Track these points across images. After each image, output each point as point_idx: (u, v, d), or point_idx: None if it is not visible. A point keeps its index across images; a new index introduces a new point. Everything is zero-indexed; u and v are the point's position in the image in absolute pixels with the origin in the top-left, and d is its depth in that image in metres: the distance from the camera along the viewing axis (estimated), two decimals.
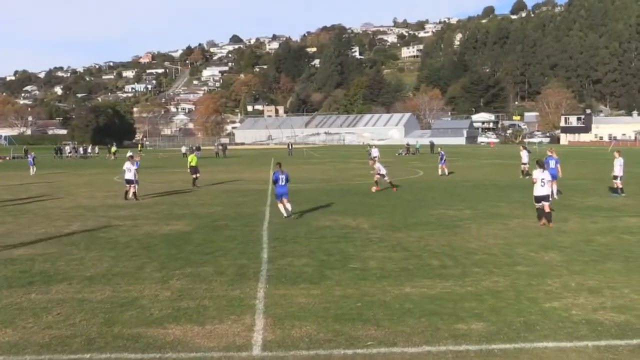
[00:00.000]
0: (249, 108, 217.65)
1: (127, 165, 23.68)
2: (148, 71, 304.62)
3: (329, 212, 18.64)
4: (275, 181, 17.71)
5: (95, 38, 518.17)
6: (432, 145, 74.55)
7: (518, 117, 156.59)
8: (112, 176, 37.07)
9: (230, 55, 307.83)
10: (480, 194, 23.79)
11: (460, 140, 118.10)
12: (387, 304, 8.67)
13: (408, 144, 76.43)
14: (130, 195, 23.23)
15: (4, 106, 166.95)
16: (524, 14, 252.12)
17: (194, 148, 75.15)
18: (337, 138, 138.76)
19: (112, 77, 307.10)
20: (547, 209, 15.36)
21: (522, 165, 31.43)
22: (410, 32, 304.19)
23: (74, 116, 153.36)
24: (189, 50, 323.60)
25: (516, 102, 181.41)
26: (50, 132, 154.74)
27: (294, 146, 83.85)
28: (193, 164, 29.78)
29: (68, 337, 7.40)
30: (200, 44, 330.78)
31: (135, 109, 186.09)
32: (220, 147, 74.54)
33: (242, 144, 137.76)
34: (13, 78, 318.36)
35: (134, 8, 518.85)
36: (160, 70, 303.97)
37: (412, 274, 10.41)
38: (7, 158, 75.06)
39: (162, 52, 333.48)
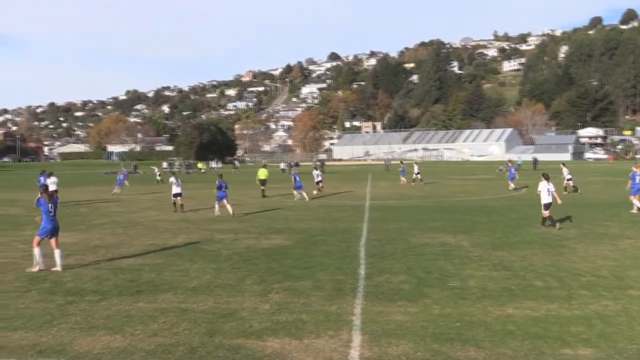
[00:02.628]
0: (347, 124, 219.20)
1: (173, 179, 26.15)
2: (249, 89, 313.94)
3: (427, 228, 18.36)
4: (219, 187, 23.46)
5: (199, 58, 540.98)
6: (535, 161, 72.01)
7: (629, 132, 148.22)
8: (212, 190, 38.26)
9: (328, 72, 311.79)
10: (587, 212, 22.67)
11: (566, 156, 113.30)
12: (488, 324, 8.39)
13: (510, 160, 74.19)
14: (178, 207, 25.40)
15: (116, 124, 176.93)
16: (635, 24, 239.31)
17: (292, 164, 76.56)
18: (436, 154, 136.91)
19: (215, 95, 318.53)
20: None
21: None
22: (511, 45, 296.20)
23: (179, 133, 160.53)
24: (288, 69, 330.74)
25: (627, 116, 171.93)
26: (157, 148, 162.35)
27: (391, 162, 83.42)
28: (262, 177, 32.66)
29: (172, 345, 7.68)
30: (299, 62, 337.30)
31: (236, 126, 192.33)
32: (318, 163, 75.39)
33: (340, 160, 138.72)
34: (125, 97, 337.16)
35: (236, 29, 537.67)
36: (260, 88, 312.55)
37: (514, 294, 10.04)
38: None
39: (263, 70, 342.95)
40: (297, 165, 76.63)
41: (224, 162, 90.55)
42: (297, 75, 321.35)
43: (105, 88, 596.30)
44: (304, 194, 30.34)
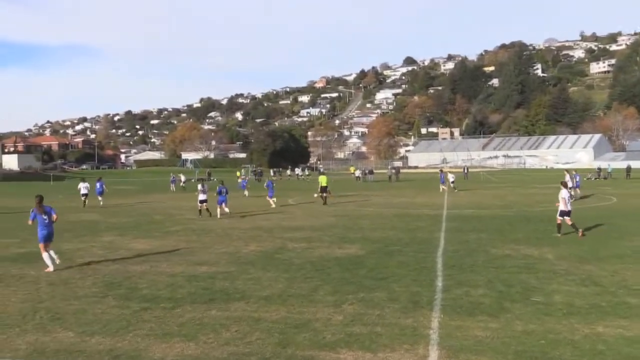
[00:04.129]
0: (423, 130, 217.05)
1: (200, 187, 28.18)
2: (322, 95, 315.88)
3: (508, 240, 17.90)
4: (219, 192, 27.22)
5: (272, 65, 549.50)
6: (628, 169, 68.96)
7: None
8: (287, 198, 38.72)
9: (403, 77, 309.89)
10: None
11: None
12: (576, 343, 8.07)
13: (599, 168, 71.42)
14: (204, 213, 27.14)
15: (191, 131, 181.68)
16: None
17: (367, 172, 76.39)
18: (518, 161, 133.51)
19: (289, 102, 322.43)
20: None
21: None
22: (600, 45, 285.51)
23: (252, 140, 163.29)
24: (362, 74, 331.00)
25: None
26: (231, 155, 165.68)
27: (470, 170, 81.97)
28: (323, 184, 33.69)
29: (245, 355, 7.78)
30: (373, 67, 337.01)
31: (309, 133, 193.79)
32: (393, 171, 74.96)
33: (416, 167, 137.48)
34: (199, 105, 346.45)
35: (309, 36, 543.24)
36: (334, 95, 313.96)
37: (605, 312, 9.62)
38: (193, 180, 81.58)
39: (337, 76, 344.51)
40: (371, 172, 76.36)
41: (294, 169, 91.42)
42: (371, 80, 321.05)
43: (180, 96, 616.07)
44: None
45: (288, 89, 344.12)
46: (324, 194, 33.73)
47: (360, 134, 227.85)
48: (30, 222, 14.49)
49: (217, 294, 11.11)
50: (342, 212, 28.82)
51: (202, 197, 27.56)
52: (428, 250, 16.09)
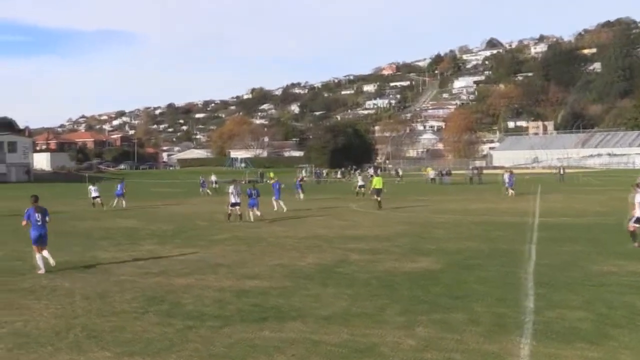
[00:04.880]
0: (509, 124, 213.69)
1: (231, 189, 28.76)
2: (391, 84, 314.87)
3: (610, 253, 17.43)
4: (249, 195, 28.71)
5: (333, 50, 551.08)
6: None
7: None
8: (349, 203, 38.79)
9: (486, 62, 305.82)
10: None
11: None
12: None
13: None
14: (234, 217, 28.03)
15: (240, 126, 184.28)
16: None
17: (444, 173, 75.78)
18: (625, 160, 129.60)
19: (352, 92, 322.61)
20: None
21: None
22: None
23: (310, 136, 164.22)
24: (437, 59, 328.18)
25: None
26: (286, 154, 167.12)
27: (566, 170, 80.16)
28: (378, 186, 34.55)
29: None
30: (450, 51, 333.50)
31: (376, 128, 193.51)
32: (474, 172, 74.08)
33: (501, 167, 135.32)
34: (249, 96, 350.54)
35: (375, 15, 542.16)
36: (404, 83, 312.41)
37: None
38: (244, 182, 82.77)
39: (407, 62, 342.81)
40: (449, 174, 75.70)
41: (360, 170, 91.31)
42: (448, 66, 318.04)
43: (228, 87, 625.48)
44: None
45: (351, 77, 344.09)
46: (378, 197, 34.60)
47: (435, 128, 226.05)
48: (24, 223, 15.88)
49: (270, 312, 11.23)
50: (413, 219, 28.68)
51: (233, 199, 28.51)
52: (514, 264, 15.85)
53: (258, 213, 28.49)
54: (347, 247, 19.55)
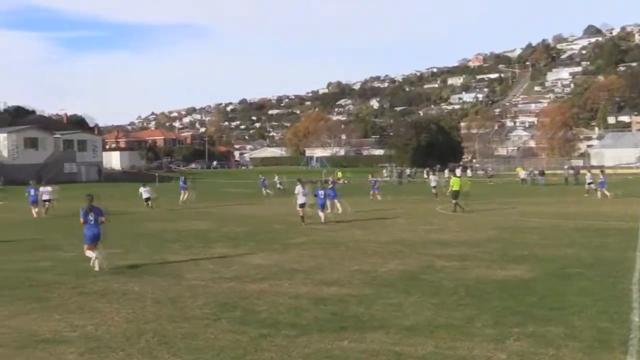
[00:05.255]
0: (611, 120, 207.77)
1: (299, 189, 29.12)
2: (479, 77, 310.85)
3: None
4: (316, 195, 29.10)
5: (416, 41, 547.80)
6: None
7: None
8: (435, 205, 38.45)
9: (584, 51, 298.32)
10: None
11: None
12: None
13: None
14: (306, 218, 28.57)
15: (316, 123, 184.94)
16: None
17: (538, 172, 74.32)
18: None
19: (436, 85, 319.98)
20: None
21: None
22: None
23: (391, 133, 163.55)
24: (529, 49, 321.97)
25: None
26: (365, 152, 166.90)
27: None
28: (455, 188, 34.37)
29: None
30: (544, 40, 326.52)
31: (463, 124, 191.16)
32: (570, 172, 72.36)
33: (602, 167, 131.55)
34: (326, 91, 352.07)
35: (459, 2, 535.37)
36: (493, 76, 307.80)
37: None
38: (318, 182, 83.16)
39: (496, 52, 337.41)
40: (542, 174, 74.15)
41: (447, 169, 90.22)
42: (541, 56, 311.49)
43: (303, 81, 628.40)
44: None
45: (435, 70, 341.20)
46: (456, 200, 34.49)
47: (527, 124, 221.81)
48: (82, 221, 17.14)
49: (349, 321, 11.22)
50: (503, 223, 28.22)
51: (301, 199, 28.94)
52: (619, 274, 15.37)
53: (326, 212, 29.46)
54: (432, 253, 19.39)
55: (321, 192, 29.33)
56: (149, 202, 40.04)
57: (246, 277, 15.73)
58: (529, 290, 13.69)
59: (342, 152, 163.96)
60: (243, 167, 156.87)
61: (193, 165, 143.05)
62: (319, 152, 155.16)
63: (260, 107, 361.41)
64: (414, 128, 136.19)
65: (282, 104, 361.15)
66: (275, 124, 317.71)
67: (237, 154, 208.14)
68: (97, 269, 16.68)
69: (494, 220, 29.38)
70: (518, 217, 31.12)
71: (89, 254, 17.00)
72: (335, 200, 33.24)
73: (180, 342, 10.03)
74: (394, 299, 13.02)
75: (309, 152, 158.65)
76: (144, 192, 40.72)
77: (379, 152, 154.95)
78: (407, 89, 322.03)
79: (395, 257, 18.77)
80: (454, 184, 35.19)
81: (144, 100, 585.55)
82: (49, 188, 38.36)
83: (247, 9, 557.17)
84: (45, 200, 37.11)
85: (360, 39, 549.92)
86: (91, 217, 16.99)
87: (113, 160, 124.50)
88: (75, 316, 11.86)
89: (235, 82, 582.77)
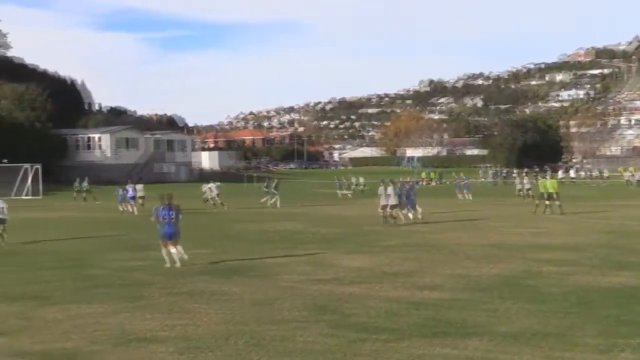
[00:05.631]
0: None
1: (382, 190, 28.91)
2: (585, 73, 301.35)
3: None
4: (399, 196, 29.34)
5: (519, 35, 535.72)
6: None
7: None
8: (529, 207, 37.57)
9: None
10: None
11: None
12: None
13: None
14: (389, 220, 28.58)
15: (411, 122, 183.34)
16: None
17: None
18: None
19: (542, 82, 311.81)
20: None
21: None
22: None
23: (493, 133, 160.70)
24: (636, 42, 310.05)
25: None
26: (460, 152, 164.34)
27: None
28: (550, 189, 33.76)
29: None
30: None
31: (571, 122, 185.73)
32: None
33: None
34: (424, 89, 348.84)
35: None
36: (604, 71, 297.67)
37: None
38: (421, 183, 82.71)
39: (605, 46, 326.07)
40: None
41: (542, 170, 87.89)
42: None
43: (401, 79, 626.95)
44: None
45: (542, 66, 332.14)
46: (549, 202, 33.69)
47: (633, 122, 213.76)
48: (153, 219, 18.14)
49: (443, 327, 11.06)
50: (607, 227, 27.40)
51: (384, 201, 28.92)
52: None
53: (410, 215, 29.46)
54: (531, 257, 18.98)
55: (402, 193, 29.49)
56: (213, 200, 41.10)
57: (338, 279, 15.73)
58: (636, 298, 13.21)
59: (436, 152, 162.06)
60: (341, 167, 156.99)
61: (291, 165, 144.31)
62: (412, 152, 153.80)
63: (355, 106, 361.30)
64: (511, 127, 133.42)
65: (380, 103, 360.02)
66: (369, 123, 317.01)
67: (333, 153, 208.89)
68: (178, 264, 17.46)
69: (595, 224, 28.54)
70: (622, 220, 30.08)
71: (164, 251, 17.78)
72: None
73: (270, 345, 10.07)
74: (488, 304, 12.78)
75: (402, 152, 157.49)
76: (214, 188, 41.52)
77: (475, 152, 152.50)
78: (512, 86, 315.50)
79: (489, 261, 18.46)
80: (546, 185, 34.26)
81: (237, 100, 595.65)
82: (139, 186, 40.81)
83: (342, 6, 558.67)
84: (133, 198, 39.27)
85: (454, 34, 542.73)
86: (172, 216, 17.69)
87: (204, 160, 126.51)
88: (166, 316, 12.14)
89: (329, 81, 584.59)
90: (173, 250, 17.62)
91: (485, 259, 18.85)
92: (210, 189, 41.89)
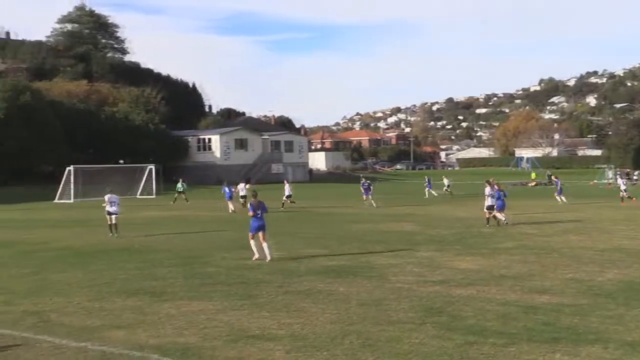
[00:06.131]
0: None
1: (488, 190, 29.25)
2: None
3: None
4: (498, 197, 28.94)
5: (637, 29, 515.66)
6: None
7: None
8: None
9: None
10: None
11: None
12: None
13: None
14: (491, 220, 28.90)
15: (527, 122, 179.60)
16: None
17: None
18: None
19: None
20: None
21: None
22: None
23: (610, 132, 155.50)
24: None
25: None
26: (580, 152, 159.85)
27: None
28: None
29: None
30: None
31: None
32: None
33: None
34: (537, 88, 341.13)
35: None
36: None
37: None
38: (530, 185, 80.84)
39: None
40: None
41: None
42: None
43: (513, 78, 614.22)
44: None
45: None
46: None
47: None
48: (251, 214, 19.52)
49: (562, 333, 10.77)
50: None
51: (490, 201, 29.25)
52: None
53: (502, 217, 28.99)
54: None
55: (500, 194, 29.23)
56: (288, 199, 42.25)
57: (452, 281, 15.59)
58: None
59: (554, 153, 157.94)
60: (449, 168, 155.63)
61: (398, 166, 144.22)
62: (529, 153, 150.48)
63: (467, 105, 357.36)
64: (636, 126, 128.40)
65: (490, 103, 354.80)
66: (483, 123, 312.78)
67: (442, 154, 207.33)
68: (269, 258, 18.86)
69: None
70: None
71: (253, 243, 19.41)
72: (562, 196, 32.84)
73: (385, 346, 10.11)
74: (613, 310, 12.35)
75: (518, 153, 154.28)
76: (241, 190, 42.41)
77: (596, 152, 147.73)
78: (629, 84, 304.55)
79: (615, 265, 17.84)
80: None
81: (348, 101, 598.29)
82: (245, 185, 42.34)
83: (454, 4, 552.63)
84: (231, 198, 41.15)
85: (573, 31, 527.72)
86: (258, 211, 19.40)
87: (318, 160, 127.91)
88: (282, 314, 12.34)
89: (441, 81, 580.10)
90: (264, 244, 19.09)
91: (609, 263, 18.23)
92: (241, 188, 43.13)
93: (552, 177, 56.01)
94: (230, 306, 13.15)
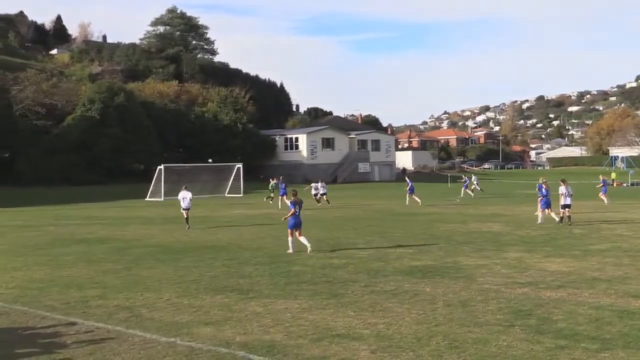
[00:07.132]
0: None
1: (562, 189, 29.34)
2: None
3: None
4: (545, 195, 29.85)
5: None
6: None
7: None
8: None
9: None
10: None
11: None
12: None
13: None
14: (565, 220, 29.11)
15: (622, 120, 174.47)
16: None
17: None
18: None
19: None
20: None
21: None
22: None
23: None
24: None
25: None
26: None
27: None
28: None
29: None
30: None
31: None
32: None
33: None
34: (634, 85, 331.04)
35: None
36: None
37: None
38: (625, 185, 78.46)
39: None
40: None
41: None
42: None
43: (608, 75, 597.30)
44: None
45: None
46: None
47: None
48: (292, 211, 20.88)
49: None
50: None
51: (565, 200, 29.43)
52: None
53: (553, 215, 29.77)
54: None
55: (567, 191, 29.49)
56: (320, 197, 44.20)
57: (542, 283, 15.26)
58: None
59: None
60: (539, 168, 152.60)
61: (486, 166, 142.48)
62: (624, 152, 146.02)
63: (559, 104, 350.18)
64: None
65: (583, 100, 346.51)
66: (575, 121, 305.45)
67: (533, 153, 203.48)
68: (309, 249, 20.66)
69: None
70: None
71: (291, 239, 21.06)
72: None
73: (471, 348, 10.00)
74: None
75: (613, 152, 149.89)
76: (318, 187, 44.51)
77: None
78: None
79: None
80: None
81: (436, 100, 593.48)
82: (322, 183, 45.22)
83: (540, 3, 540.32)
84: (321, 194, 44.22)
85: None
86: (297, 209, 20.96)
87: (405, 159, 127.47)
88: (368, 314, 12.35)
89: (531, 78, 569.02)
90: (302, 239, 20.86)
91: None
92: (316, 187, 45.19)
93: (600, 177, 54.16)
94: (316, 305, 13.23)
